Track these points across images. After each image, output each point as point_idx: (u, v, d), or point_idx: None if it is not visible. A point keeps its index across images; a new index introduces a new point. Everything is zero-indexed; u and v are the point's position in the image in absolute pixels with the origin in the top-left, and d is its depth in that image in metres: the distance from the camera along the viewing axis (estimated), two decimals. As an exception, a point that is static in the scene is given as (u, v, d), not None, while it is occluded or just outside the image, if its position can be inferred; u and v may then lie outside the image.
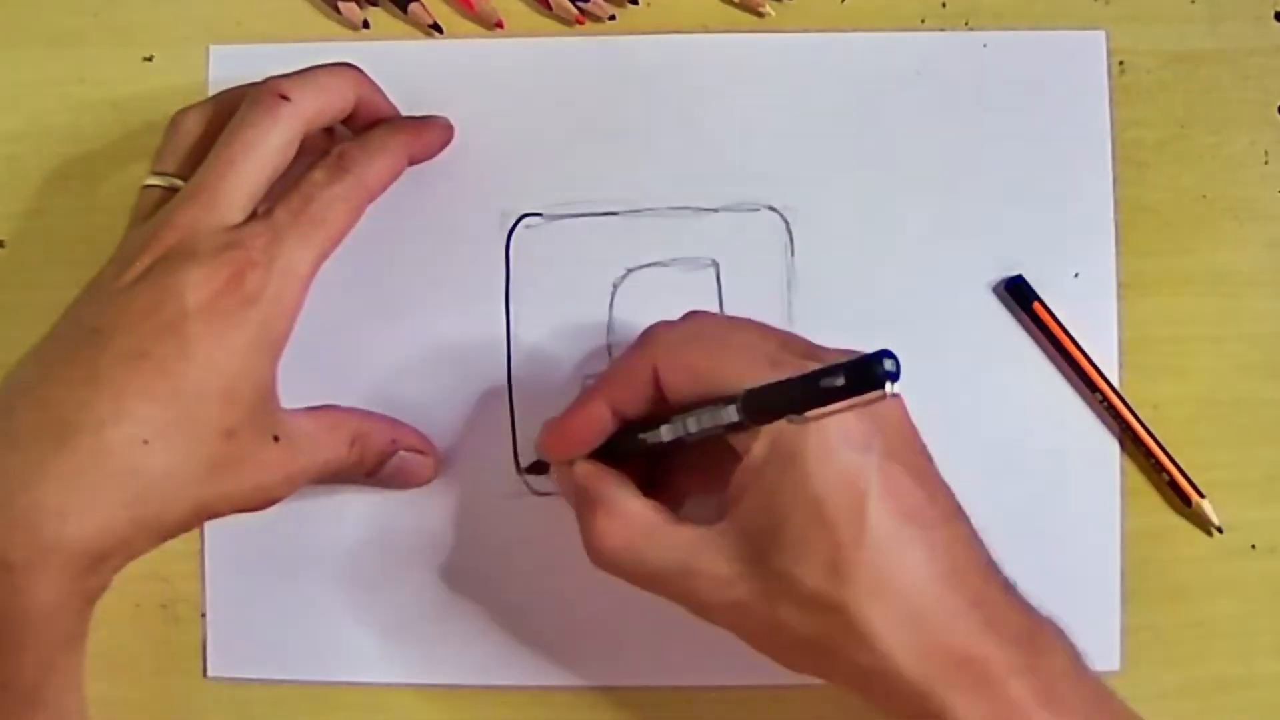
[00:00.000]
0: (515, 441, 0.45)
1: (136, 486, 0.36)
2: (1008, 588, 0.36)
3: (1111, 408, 0.44)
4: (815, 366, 0.34)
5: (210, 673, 0.45)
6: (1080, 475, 0.44)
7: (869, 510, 0.34)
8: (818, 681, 0.44)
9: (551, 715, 0.44)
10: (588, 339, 0.45)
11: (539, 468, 0.44)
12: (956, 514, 0.36)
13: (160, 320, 0.36)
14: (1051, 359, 0.45)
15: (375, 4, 0.46)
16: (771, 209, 0.45)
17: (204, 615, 0.45)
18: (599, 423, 0.39)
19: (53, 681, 0.37)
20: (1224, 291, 0.45)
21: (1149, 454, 0.44)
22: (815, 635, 0.35)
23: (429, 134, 0.44)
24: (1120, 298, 0.45)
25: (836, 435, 0.35)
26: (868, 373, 0.32)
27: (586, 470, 0.39)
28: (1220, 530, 0.44)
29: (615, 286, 0.45)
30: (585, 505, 0.39)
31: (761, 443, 0.35)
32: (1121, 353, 0.45)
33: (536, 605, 0.44)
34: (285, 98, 0.39)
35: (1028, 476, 0.44)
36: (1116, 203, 0.45)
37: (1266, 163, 0.45)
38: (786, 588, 0.35)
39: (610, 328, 0.45)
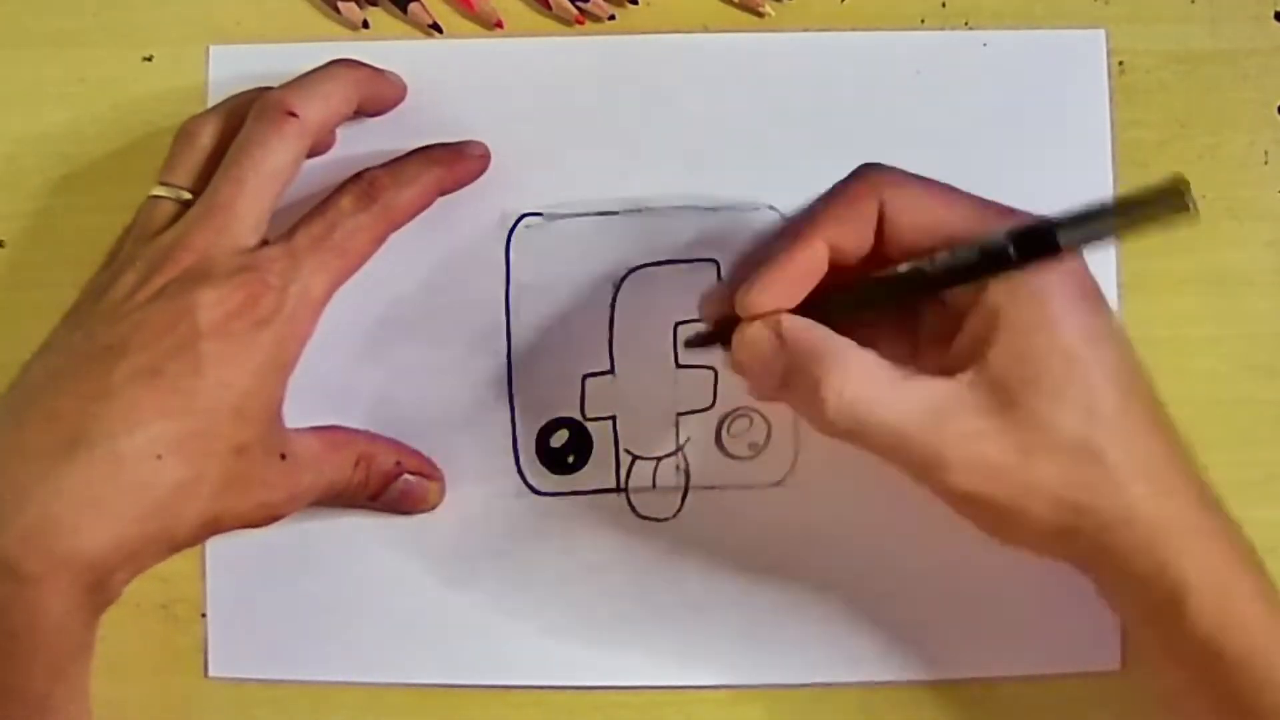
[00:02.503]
0: (515, 441, 0.45)
1: (148, 501, 0.36)
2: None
3: None
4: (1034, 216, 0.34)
5: (211, 673, 0.45)
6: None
7: (1111, 354, 0.35)
8: (817, 682, 0.44)
9: (551, 715, 0.45)
10: (588, 339, 0.45)
11: (706, 340, 0.41)
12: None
13: (174, 339, 0.36)
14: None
15: (375, 4, 0.46)
16: (771, 209, 0.45)
17: (204, 615, 0.45)
18: (819, 265, 0.37)
19: (60, 690, 0.37)
20: (1224, 291, 0.45)
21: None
22: (1066, 490, 0.35)
23: (463, 168, 0.43)
24: (1120, 298, 0.45)
25: (1073, 286, 0.35)
26: (1170, 196, 0.32)
27: (801, 326, 0.36)
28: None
29: (615, 286, 0.45)
30: (806, 363, 0.36)
31: (1003, 290, 0.35)
32: (1121, 353, 0.45)
33: (536, 605, 0.44)
34: (292, 114, 0.39)
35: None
36: (1116, 203, 0.45)
37: (1266, 163, 0.45)
38: (1043, 436, 0.35)
39: (610, 328, 0.45)
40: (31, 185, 0.46)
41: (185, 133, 0.41)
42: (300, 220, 0.40)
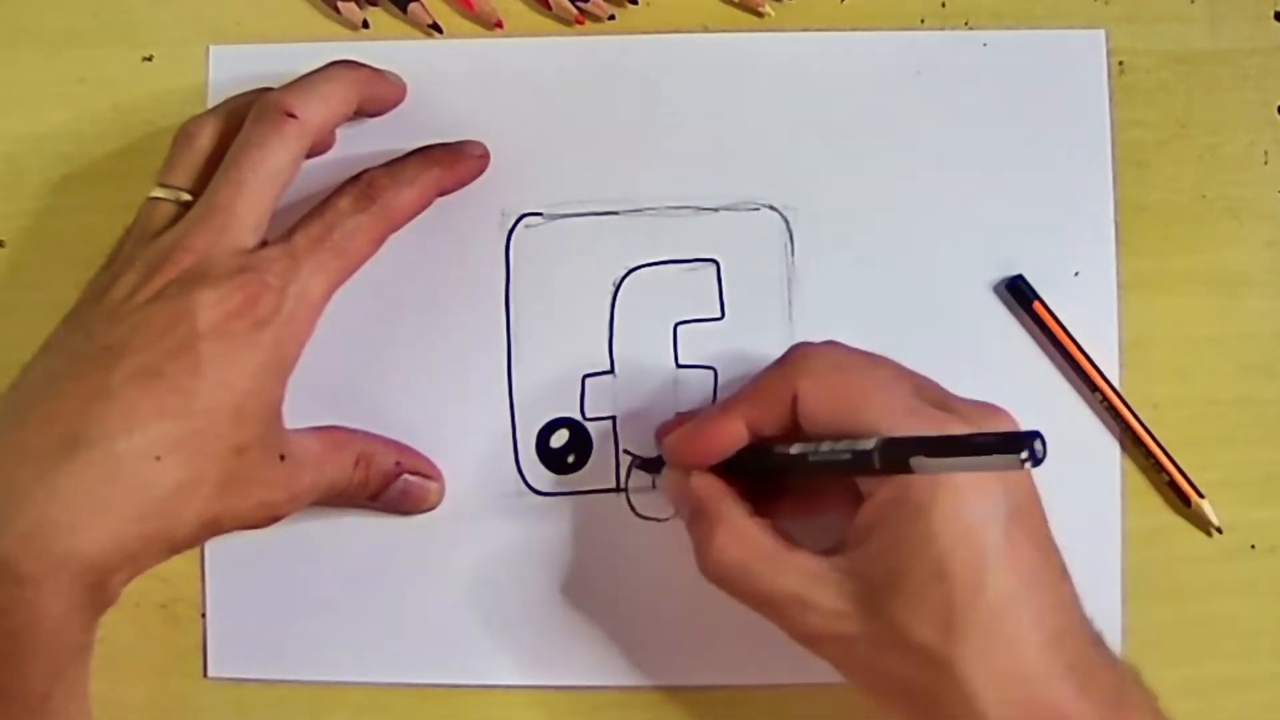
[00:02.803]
0: (515, 442, 0.45)
1: (147, 501, 0.36)
2: (1099, 644, 0.37)
3: (1111, 408, 0.44)
4: (951, 421, 0.35)
5: (210, 673, 0.45)
6: (1080, 475, 0.44)
7: (988, 571, 0.35)
8: (817, 682, 0.44)
9: (550, 715, 0.45)
10: (588, 339, 0.45)
11: (651, 466, 0.44)
12: (1064, 575, 0.37)
13: (173, 340, 0.36)
14: (1051, 359, 0.45)
15: (375, 4, 0.46)
16: (771, 209, 0.45)
17: (204, 615, 0.45)
18: (733, 437, 0.39)
19: (60, 691, 0.37)
20: (1224, 291, 0.45)
21: (1149, 454, 0.44)
22: (915, 684, 0.36)
23: (463, 168, 0.44)
24: (1120, 298, 0.45)
25: (968, 493, 0.35)
26: (1013, 444, 0.31)
27: (706, 483, 0.40)
28: (1220, 530, 0.44)
29: (615, 286, 0.45)
30: (702, 518, 0.39)
31: (891, 488, 0.36)
32: (1121, 353, 0.45)
33: (535, 605, 0.44)
34: (291, 115, 0.39)
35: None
36: (1116, 203, 0.45)
37: (1266, 163, 0.45)
38: (896, 635, 0.35)
39: (610, 327, 0.45)
40: (31, 185, 0.46)
41: (184, 134, 0.41)
42: (299, 221, 0.39)
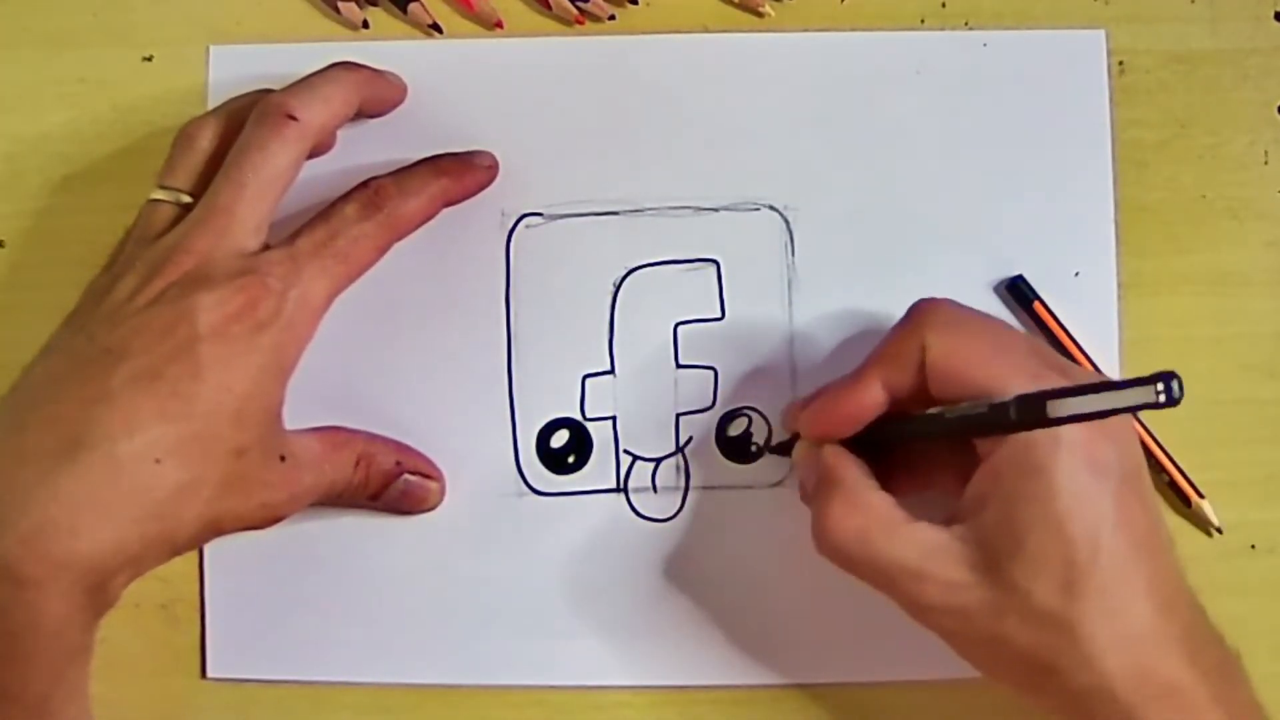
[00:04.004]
0: (515, 441, 0.45)
1: (148, 504, 0.36)
2: (1204, 615, 0.37)
3: None
4: (1082, 378, 0.35)
5: (209, 673, 0.45)
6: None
7: (1104, 534, 0.35)
8: (816, 682, 0.44)
9: (551, 715, 0.44)
10: (588, 339, 0.45)
11: (783, 449, 0.44)
12: (1171, 543, 0.37)
13: (174, 342, 0.36)
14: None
15: (375, 4, 0.46)
16: (771, 209, 0.45)
17: (203, 615, 0.45)
18: (872, 402, 0.39)
19: (60, 693, 0.37)
20: (1224, 291, 0.45)
21: (1149, 454, 0.44)
22: (1036, 651, 0.36)
23: (470, 180, 0.43)
24: (1120, 298, 0.45)
25: (1083, 455, 0.35)
26: (1153, 405, 0.32)
27: (834, 454, 0.39)
28: (1220, 531, 0.44)
29: (616, 286, 0.45)
30: (826, 489, 0.38)
31: (1010, 449, 0.36)
32: (1121, 353, 0.45)
33: (536, 605, 0.44)
34: (293, 117, 0.39)
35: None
36: (1116, 202, 0.45)
37: (1266, 163, 0.45)
38: (1017, 600, 0.35)
39: (610, 328, 0.45)
40: (31, 185, 0.46)
41: (184, 135, 0.41)
42: (304, 225, 0.40)
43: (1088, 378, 0.35)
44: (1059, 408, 0.34)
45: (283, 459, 0.39)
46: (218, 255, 0.38)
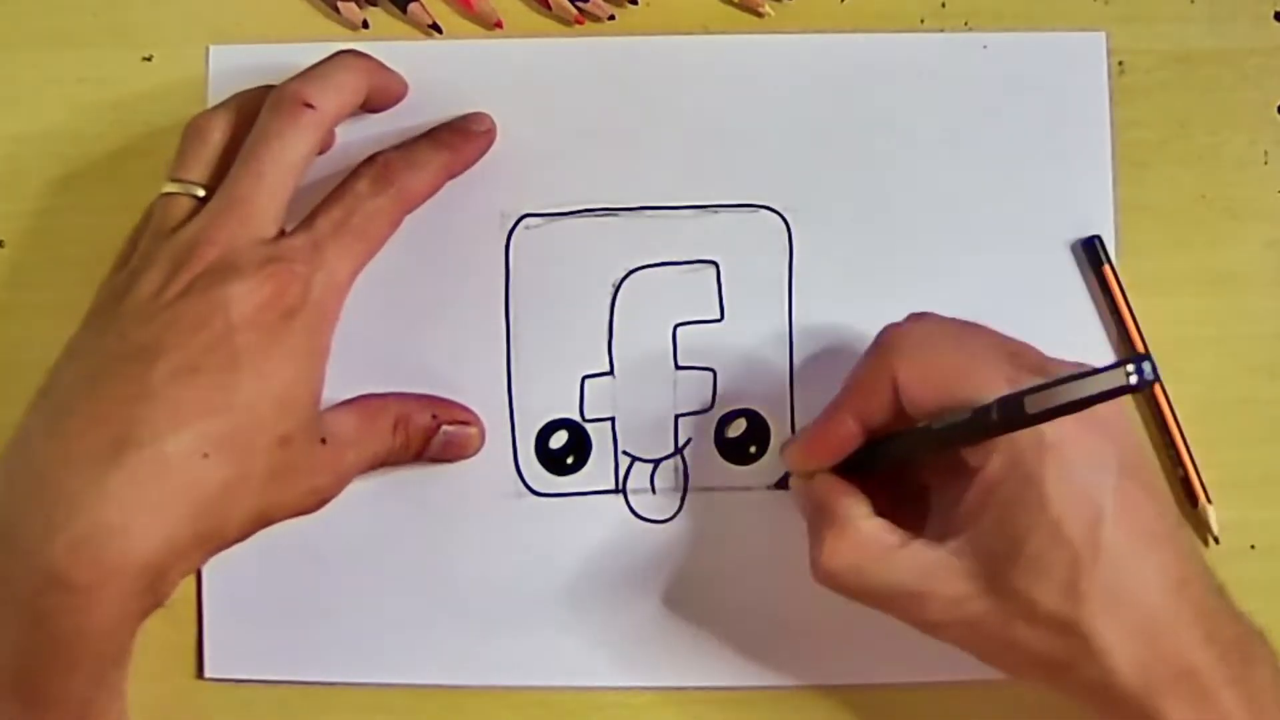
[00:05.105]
0: (514, 441, 0.45)
1: (198, 500, 0.36)
2: (1222, 594, 0.37)
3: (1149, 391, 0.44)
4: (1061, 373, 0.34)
5: (207, 673, 0.44)
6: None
7: (1104, 530, 0.35)
8: (816, 683, 0.44)
9: (551, 715, 0.44)
10: (587, 340, 0.45)
11: (783, 483, 0.44)
12: (1181, 524, 0.37)
13: (209, 334, 0.36)
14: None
15: (375, 4, 0.46)
16: (771, 209, 0.45)
17: (200, 615, 0.45)
18: (846, 434, 0.39)
19: (102, 696, 0.37)
20: (1224, 291, 0.45)
21: (1171, 445, 0.44)
22: (1047, 652, 0.36)
23: (470, 148, 0.44)
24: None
25: (1075, 453, 0.35)
26: (1126, 388, 0.32)
27: (825, 484, 0.40)
28: (1217, 540, 0.44)
29: (615, 287, 0.45)
30: (818, 521, 0.39)
31: (1000, 458, 0.36)
32: (1121, 352, 0.45)
33: (536, 605, 0.44)
34: (309, 105, 0.39)
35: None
36: (1116, 203, 0.45)
37: (1266, 163, 0.45)
38: (1022, 607, 0.35)
39: (610, 329, 0.45)
40: (31, 185, 0.46)
41: (195, 128, 0.41)
42: (318, 207, 0.40)
43: (1066, 371, 0.35)
44: (1037, 402, 0.33)
45: (324, 441, 0.39)
46: (241, 245, 0.38)
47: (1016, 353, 0.37)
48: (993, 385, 0.36)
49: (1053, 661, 0.36)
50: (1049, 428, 0.35)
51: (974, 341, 0.38)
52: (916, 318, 0.39)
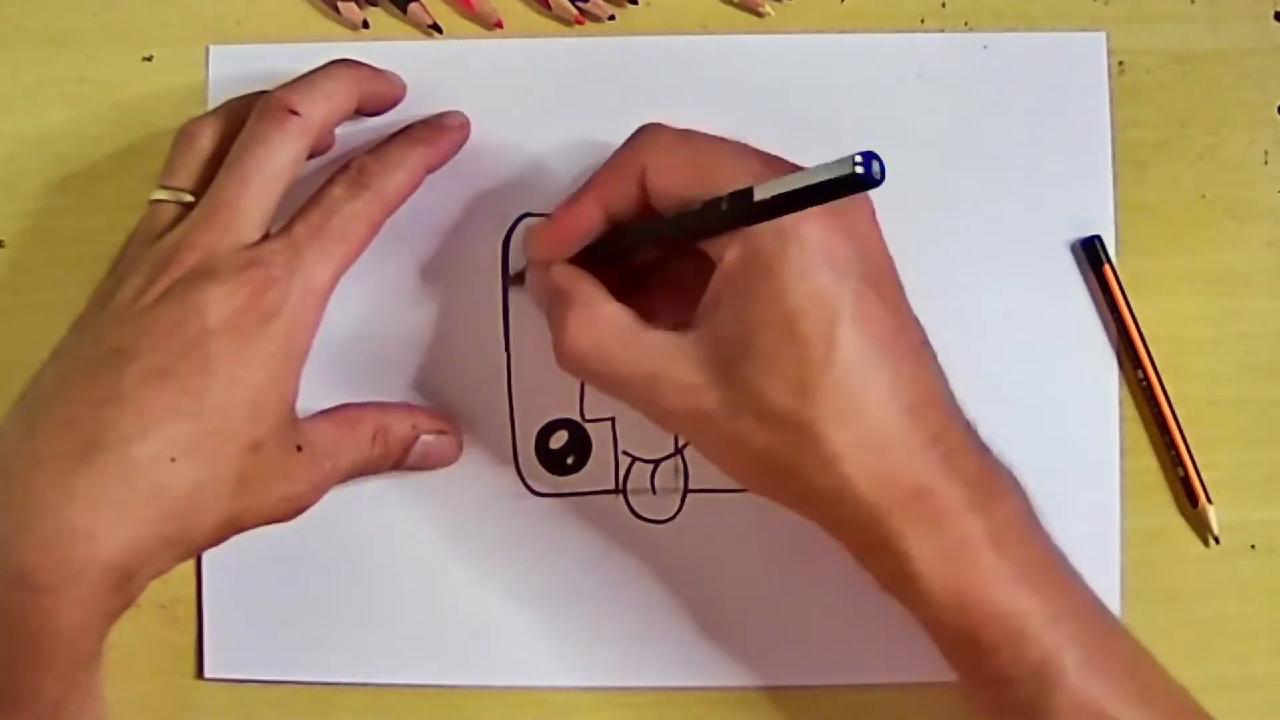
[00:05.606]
0: (514, 442, 0.45)
1: (165, 504, 0.36)
2: (968, 429, 0.37)
3: (1149, 390, 0.44)
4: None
5: (207, 673, 0.44)
6: (1081, 475, 0.44)
7: (840, 332, 0.34)
8: (816, 683, 0.44)
9: (551, 715, 0.44)
10: (587, 339, 0.45)
11: (520, 278, 0.44)
12: (924, 346, 0.37)
13: (183, 339, 0.36)
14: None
15: (375, 4, 0.46)
16: (771, 209, 0.45)
17: (200, 615, 0.45)
18: (588, 220, 0.39)
19: (73, 699, 0.37)
20: (1224, 291, 0.45)
21: (1171, 445, 0.44)
22: (775, 451, 0.35)
23: (445, 143, 0.43)
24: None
25: (816, 251, 0.35)
26: (853, 179, 0.31)
27: (564, 271, 0.40)
28: (1218, 540, 0.44)
29: (615, 287, 0.45)
30: (558, 305, 0.39)
31: (738, 249, 0.35)
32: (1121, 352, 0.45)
33: (535, 605, 0.44)
34: (294, 112, 0.39)
35: (1025, 480, 0.44)
36: (1116, 203, 0.45)
37: (1266, 163, 0.45)
38: (751, 401, 0.35)
39: (610, 328, 0.45)
40: (31, 185, 0.46)
41: (185, 135, 0.41)
42: (297, 213, 0.40)
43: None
44: (764, 190, 0.33)
45: (299, 449, 0.39)
46: (222, 250, 0.38)
47: (768, 160, 0.37)
48: (736, 179, 0.35)
49: (779, 464, 0.35)
50: (790, 223, 0.34)
51: (728, 145, 0.38)
52: (672, 127, 0.39)
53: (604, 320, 0.38)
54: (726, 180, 0.35)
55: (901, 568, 0.35)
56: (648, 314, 0.39)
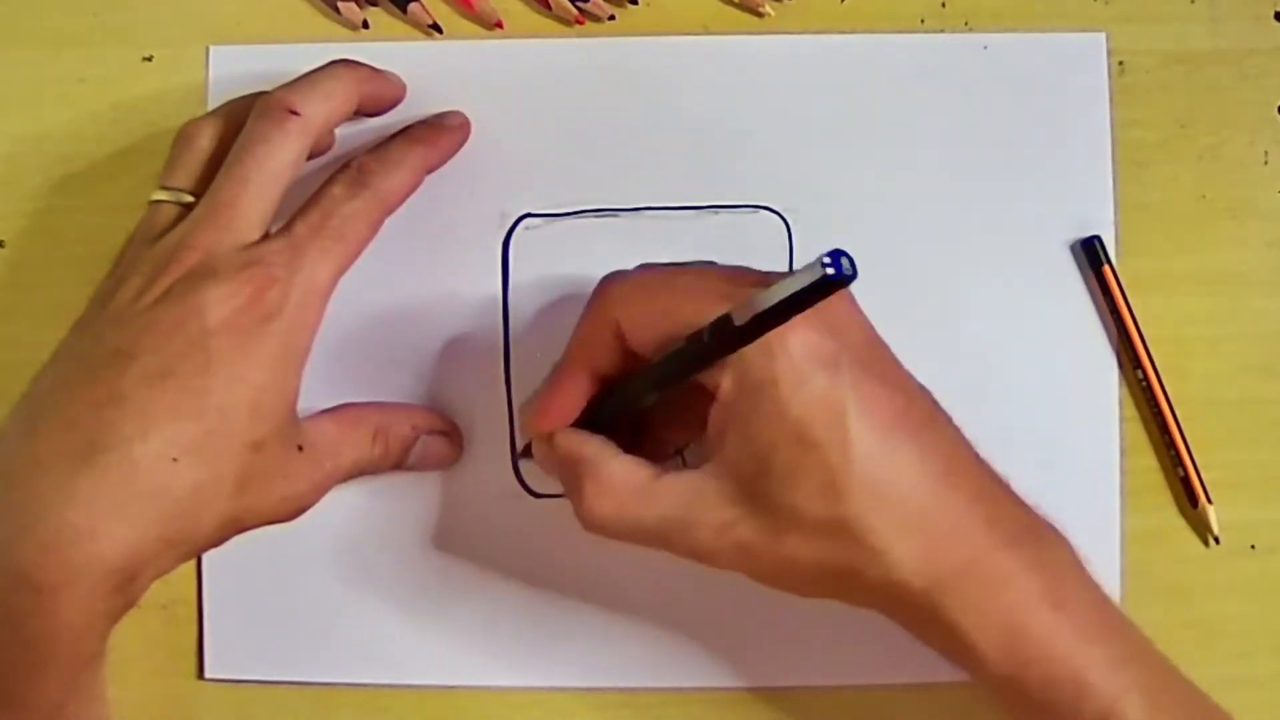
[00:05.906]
0: (514, 442, 0.45)
1: (166, 504, 0.36)
2: (1004, 483, 0.36)
3: (1149, 390, 0.44)
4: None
5: (207, 673, 0.44)
6: (1081, 475, 0.44)
7: (851, 426, 0.34)
8: (815, 683, 0.44)
9: (551, 715, 0.44)
10: (587, 339, 0.45)
11: (529, 452, 0.44)
12: (936, 414, 0.37)
13: (183, 339, 0.36)
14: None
15: (375, 4, 0.46)
16: (771, 209, 0.45)
17: (201, 615, 0.45)
18: (577, 389, 0.39)
19: (74, 700, 0.37)
20: (1224, 291, 0.45)
21: (1171, 445, 0.44)
22: (824, 560, 0.35)
23: (445, 142, 0.44)
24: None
25: (802, 356, 0.35)
26: (825, 282, 0.31)
27: (567, 439, 0.39)
28: (1218, 540, 0.44)
29: (615, 287, 0.45)
30: (571, 474, 0.38)
31: (731, 376, 0.35)
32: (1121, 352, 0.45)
33: (536, 605, 0.44)
34: (294, 112, 0.39)
35: (1025, 480, 0.44)
36: (1116, 203, 0.45)
37: (1266, 163, 0.45)
38: (788, 519, 0.35)
39: (610, 328, 0.45)
40: (31, 185, 0.46)
41: (184, 135, 0.41)
42: (296, 212, 0.40)
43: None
44: (742, 314, 0.33)
45: (300, 449, 0.39)
46: (221, 250, 0.38)
47: (733, 276, 0.37)
48: (710, 308, 0.35)
49: (833, 570, 0.35)
50: (774, 337, 0.34)
51: (687, 274, 0.38)
52: (637, 268, 0.39)
53: (618, 481, 0.37)
54: (698, 313, 0.35)
55: (957, 639, 0.35)
56: (660, 443, 0.39)
